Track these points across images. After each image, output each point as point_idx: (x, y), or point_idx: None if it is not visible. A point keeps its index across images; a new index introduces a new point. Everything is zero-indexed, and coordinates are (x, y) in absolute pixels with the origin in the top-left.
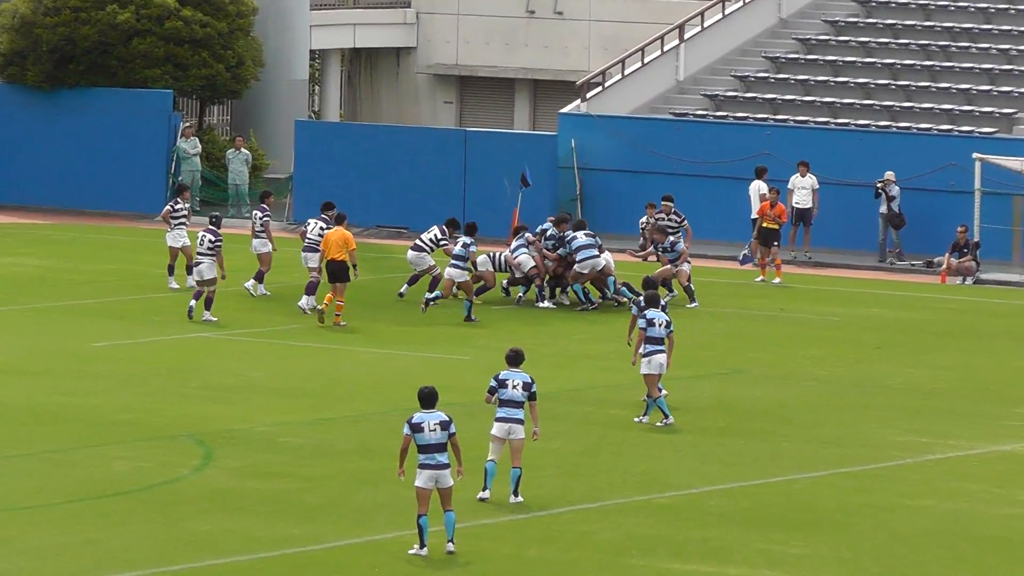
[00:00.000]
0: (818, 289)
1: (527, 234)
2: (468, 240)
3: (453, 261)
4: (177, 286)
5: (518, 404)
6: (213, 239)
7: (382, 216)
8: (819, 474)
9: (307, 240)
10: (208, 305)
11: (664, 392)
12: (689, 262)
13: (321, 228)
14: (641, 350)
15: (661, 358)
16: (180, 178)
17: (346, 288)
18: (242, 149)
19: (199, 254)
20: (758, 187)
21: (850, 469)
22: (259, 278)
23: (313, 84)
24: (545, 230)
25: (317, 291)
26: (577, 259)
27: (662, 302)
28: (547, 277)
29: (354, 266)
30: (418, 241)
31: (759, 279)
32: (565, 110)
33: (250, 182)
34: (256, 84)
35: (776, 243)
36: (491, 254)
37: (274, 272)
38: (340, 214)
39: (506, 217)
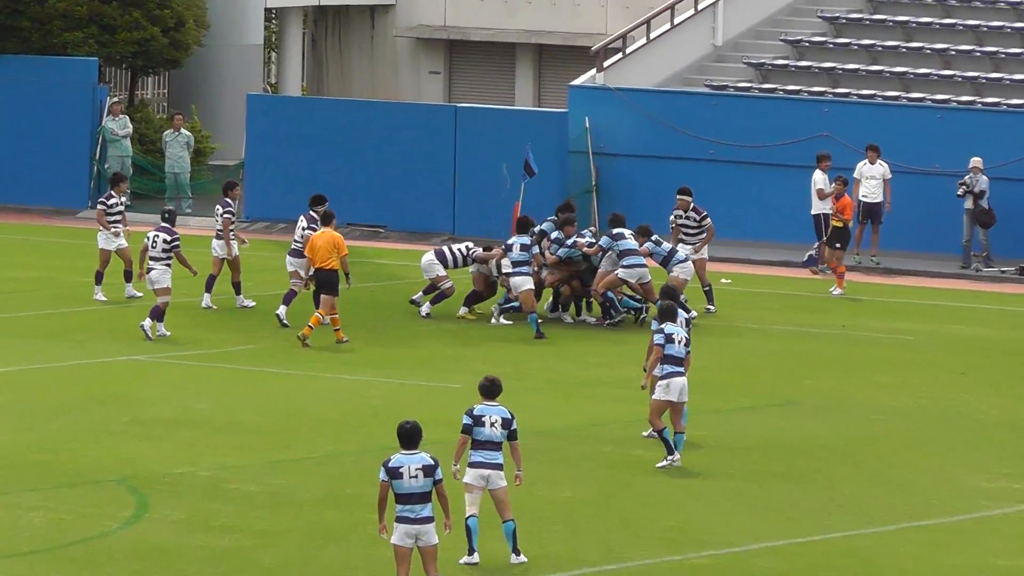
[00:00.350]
0: (888, 301)
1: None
2: (525, 240)
3: (515, 269)
4: (104, 298)
5: (496, 446)
6: (168, 240)
7: (355, 212)
8: (889, 528)
9: (293, 243)
10: (160, 316)
11: (663, 426)
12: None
13: (303, 228)
14: (657, 371)
15: (682, 382)
16: (107, 165)
17: (333, 301)
18: (182, 130)
19: (152, 259)
20: (817, 178)
21: (928, 522)
22: (236, 288)
23: (269, 50)
24: (546, 232)
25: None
26: (623, 264)
27: (685, 316)
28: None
29: (347, 275)
30: (444, 248)
31: (836, 291)
32: (577, 82)
33: (192, 170)
34: (199, 51)
35: (839, 244)
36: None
37: (225, 279)
38: (327, 212)
39: (505, 212)
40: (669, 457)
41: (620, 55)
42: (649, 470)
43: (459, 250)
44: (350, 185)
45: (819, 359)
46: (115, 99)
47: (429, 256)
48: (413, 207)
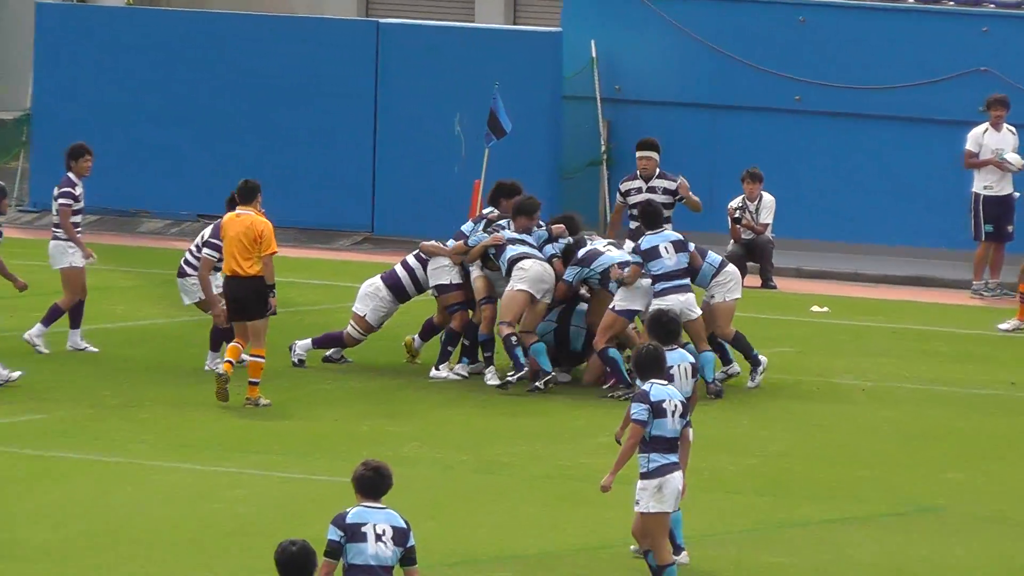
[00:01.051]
0: None
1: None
2: (673, 235)
3: (665, 285)
4: None
5: (386, 572)
6: None
7: (212, 199)
8: None
9: (187, 255)
10: None
11: (682, 558)
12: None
13: (206, 242)
14: (641, 462)
15: (679, 480)
16: None
17: (265, 330)
18: None
19: None
20: (979, 135)
21: None
22: (68, 316)
23: None
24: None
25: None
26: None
27: (689, 360)
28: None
29: (271, 287)
30: (399, 269)
31: (1007, 324)
32: None
33: None
34: None
35: None
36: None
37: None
38: (248, 184)
39: (459, 194)
40: None
41: None
42: None
43: (416, 257)
44: (204, 155)
45: (973, 438)
46: None
47: (374, 281)
48: (308, 191)
